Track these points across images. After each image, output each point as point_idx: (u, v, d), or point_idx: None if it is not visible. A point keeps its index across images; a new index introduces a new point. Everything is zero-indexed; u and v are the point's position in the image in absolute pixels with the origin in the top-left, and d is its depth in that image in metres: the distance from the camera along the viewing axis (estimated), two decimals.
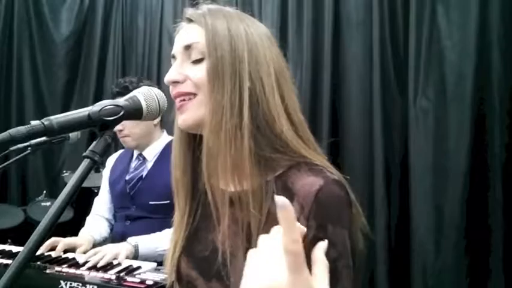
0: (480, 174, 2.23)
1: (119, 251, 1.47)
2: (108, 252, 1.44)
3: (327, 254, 0.64)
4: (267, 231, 0.69)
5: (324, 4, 2.69)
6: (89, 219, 1.93)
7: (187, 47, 0.77)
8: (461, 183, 2.24)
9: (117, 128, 1.78)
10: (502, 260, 2.16)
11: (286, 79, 0.79)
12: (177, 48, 0.79)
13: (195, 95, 0.76)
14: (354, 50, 2.63)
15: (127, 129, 1.80)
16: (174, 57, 0.80)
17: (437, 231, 2.30)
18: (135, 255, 1.54)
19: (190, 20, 0.80)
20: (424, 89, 2.38)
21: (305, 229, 0.49)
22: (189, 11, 0.80)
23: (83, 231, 1.82)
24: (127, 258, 1.48)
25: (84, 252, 1.54)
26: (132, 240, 1.57)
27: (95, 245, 1.72)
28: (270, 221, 0.71)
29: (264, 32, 0.80)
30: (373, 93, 2.51)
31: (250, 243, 0.71)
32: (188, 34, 0.78)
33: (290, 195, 0.71)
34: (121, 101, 0.69)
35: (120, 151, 2.05)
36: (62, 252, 1.53)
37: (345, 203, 0.72)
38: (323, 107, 2.65)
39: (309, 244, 0.66)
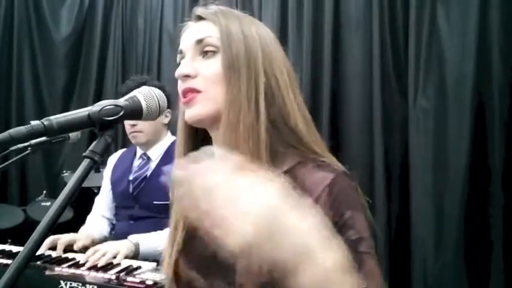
0: (480, 173, 2.23)
1: (119, 250, 1.46)
2: (108, 250, 1.44)
3: (347, 239, 0.67)
4: None
5: (324, 4, 2.69)
6: (89, 218, 1.93)
7: (200, 41, 0.77)
8: (461, 183, 2.24)
9: (130, 122, 1.80)
10: (502, 260, 2.16)
11: (295, 79, 0.80)
12: (187, 44, 0.79)
13: (199, 92, 0.76)
14: (354, 50, 2.63)
15: (140, 124, 1.80)
16: (181, 52, 0.80)
17: (437, 230, 2.30)
18: (136, 254, 1.53)
19: (200, 18, 0.80)
20: (424, 89, 2.38)
21: None
22: (200, 10, 0.81)
23: (82, 230, 1.82)
24: (127, 256, 1.48)
25: (82, 249, 1.54)
26: (133, 238, 1.57)
27: (95, 243, 1.72)
28: None
29: (271, 34, 0.81)
30: (373, 93, 2.51)
31: None
32: (200, 29, 0.78)
33: (301, 190, 0.71)
34: (121, 101, 0.69)
35: (122, 150, 2.05)
36: (62, 252, 1.53)
37: (356, 190, 0.74)
38: (323, 107, 2.65)
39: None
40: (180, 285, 0.82)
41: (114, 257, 1.44)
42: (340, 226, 0.68)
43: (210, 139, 0.82)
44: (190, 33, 0.80)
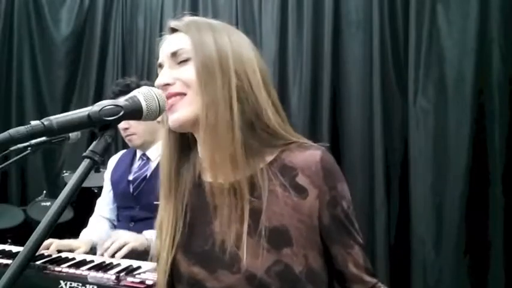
0: (480, 174, 2.23)
1: (129, 241, 1.46)
2: (117, 239, 1.45)
3: (342, 207, 0.80)
4: (273, 210, 0.77)
5: (324, 4, 2.69)
6: (91, 220, 1.93)
7: (174, 54, 0.81)
8: (461, 183, 2.24)
9: (122, 126, 1.80)
10: (502, 260, 2.16)
11: (268, 77, 0.84)
12: (163, 57, 0.83)
13: (184, 94, 0.79)
14: (354, 50, 2.63)
15: (133, 127, 1.80)
16: (160, 66, 0.84)
17: (437, 231, 2.30)
18: (147, 249, 1.51)
19: (174, 30, 0.84)
20: (424, 89, 2.38)
21: None
22: (173, 22, 0.84)
23: (83, 233, 1.82)
24: (136, 249, 1.47)
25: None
26: (148, 233, 1.57)
27: (93, 247, 1.71)
28: (273, 199, 0.78)
29: (245, 38, 0.85)
30: (373, 93, 2.51)
31: (255, 226, 0.76)
32: (173, 42, 0.82)
33: (293, 171, 0.79)
34: (121, 101, 0.69)
35: (122, 152, 2.05)
36: (59, 252, 1.52)
37: (336, 163, 0.83)
38: (323, 107, 2.65)
39: (326, 207, 0.78)
40: (181, 284, 0.83)
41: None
42: (334, 196, 0.79)
43: (194, 142, 0.86)
44: (166, 46, 0.83)
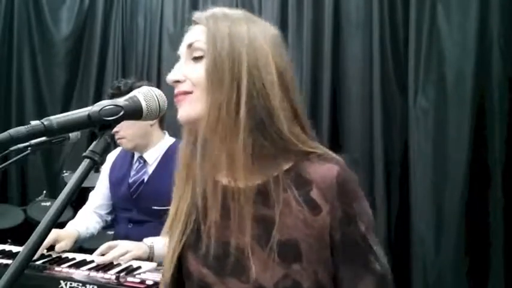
0: (480, 173, 2.23)
1: (131, 249, 1.45)
2: (119, 247, 1.44)
3: (357, 227, 0.76)
4: (285, 222, 0.75)
5: (324, 4, 2.69)
6: (80, 212, 1.88)
7: (189, 46, 0.80)
8: (461, 182, 2.24)
9: (114, 129, 1.76)
10: (502, 260, 2.16)
11: (290, 77, 0.79)
12: (181, 49, 0.82)
13: (190, 93, 0.78)
14: (354, 50, 2.63)
15: (122, 130, 1.75)
16: (179, 57, 0.83)
17: (437, 230, 2.31)
18: (151, 256, 1.51)
19: (196, 22, 0.82)
20: (424, 89, 2.38)
21: None
22: (196, 14, 0.83)
23: (69, 224, 1.78)
24: (140, 258, 1.46)
25: (69, 250, 1.53)
26: (148, 240, 1.55)
27: (79, 239, 1.69)
28: (286, 211, 0.75)
29: (270, 33, 0.80)
30: (373, 93, 2.51)
31: (267, 237, 0.74)
32: (192, 34, 0.81)
33: (307, 183, 0.76)
34: (121, 101, 0.69)
35: (120, 148, 2.01)
36: (59, 252, 1.52)
37: (357, 181, 0.79)
38: (323, 107, 2.65)
39: (338, 223, 0.75)
40: (190, 282, 0.83)
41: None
42: (348, 214, 0.75)
43: None
44: (185, 38, 0.82)
